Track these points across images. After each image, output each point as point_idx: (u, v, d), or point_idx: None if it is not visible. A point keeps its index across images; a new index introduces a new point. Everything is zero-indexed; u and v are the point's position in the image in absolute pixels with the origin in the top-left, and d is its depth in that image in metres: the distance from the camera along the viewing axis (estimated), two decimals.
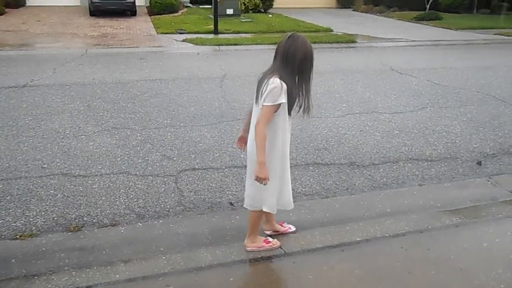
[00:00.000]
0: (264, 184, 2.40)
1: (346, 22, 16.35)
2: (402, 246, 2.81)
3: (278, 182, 2.60)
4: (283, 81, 2.36)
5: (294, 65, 2.38)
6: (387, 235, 2.94)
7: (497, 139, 4.88)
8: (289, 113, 2.48)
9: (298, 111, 2.51)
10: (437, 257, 2.70)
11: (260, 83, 2.45)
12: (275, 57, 2.46)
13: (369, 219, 3.17)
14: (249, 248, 2.74)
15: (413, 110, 5.82)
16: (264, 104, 2.36)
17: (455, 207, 3.37)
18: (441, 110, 5.84)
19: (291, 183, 2.78)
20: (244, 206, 2.74)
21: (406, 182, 3.87)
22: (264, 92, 2.36)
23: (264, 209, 2.62)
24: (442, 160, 4.32)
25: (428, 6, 17.93)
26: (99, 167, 3.92)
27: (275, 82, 2.34)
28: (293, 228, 3.00)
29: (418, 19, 17.15)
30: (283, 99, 2.35)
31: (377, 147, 4.55)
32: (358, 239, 2.88)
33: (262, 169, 2.36)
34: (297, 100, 2.46)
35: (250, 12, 18.20)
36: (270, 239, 2.81)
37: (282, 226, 2.99)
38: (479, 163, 4.26)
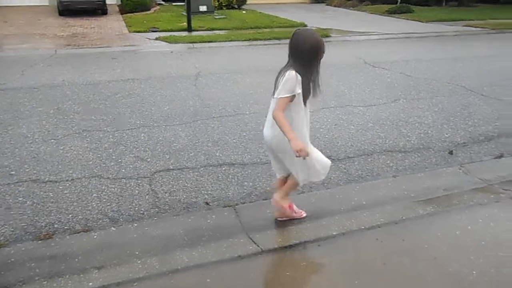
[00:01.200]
0: (307, 155, 2.55)
1: (319, 17, 16.44)
2: (378, 238, 2.84)
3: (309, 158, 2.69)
4: (298, 73, 2.53)
5: (302, 58, 2.54)
6: (363, 227, 2.96)
7: (467, 128, 4.99)
8: (305, 104, 2.65)
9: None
10: (412, 247, 2.74)
11: (278, 77, 2.62)
12: (288, 54, 2.63)
13: (345, 212, 3.19)
14: (274, 203, 2.97)
15: (386, 103, 5.89)
16: (279, 96, 2.55)
17: (429, 197, 3.42)
18: (413, 102, 5.93)
19: None
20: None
21: (380, 174, 3.91)
22: (280, 84, 2.57)
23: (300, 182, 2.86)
24: (415, 151, 4.38)
25: (399, 0, 18.19)
26: (70, 172, 3.81)
27: (290, 74, 2.53)
28: (304, 214, 3.11)
29: (390, 12, 17.39)
30: (298, 90, 2.54)
31: (351, 140, 4.59)
32: (335, 233, 2.89)
33: (296, 143, 2.50)
34: (311, 90, 2.63)
35: (224, 8, 18.07)
36: (295, 208, 3.02)
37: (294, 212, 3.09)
38: (451, 153, 4.35)
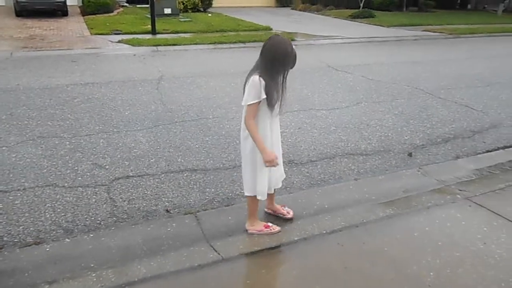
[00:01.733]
0: (276, 165, 2.66)
1: (285, 21, 16.60)
2: (339, 242, 2.85)
3: (267, 170, 2.75)
4: (262, 78, 2.51)
5: (268, 63, 2.53)
6: (324, 232, 2.96)
7: (425, 130, 5.13)
8: (271, 109, 2.61)
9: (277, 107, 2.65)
10: (372, 250, 2.76)
11: (245, 82, 2.61)
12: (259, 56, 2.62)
13: (307, 217, 3.19)
14: (249, 231, 2.92)
15: (348, 106, 5.98)
16: (247, 103, 2.55)
17: (389, 199, 3.47)
18: (374, 105, 6.05)
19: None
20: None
21: (342, 177, 3.94)
22: (245, 90, 2.57)
23: (258, 197, 2.81)
24: (376, 154, 4.46)
25: (361, 5, 18.65)
26: (22, 181, 3.62)
27: (254, 79, 2.52)
28: (290, 214, 3.12)
29: (353, 17, 17.80)
30: (263, 95, 2.52)
31: (314, 144, 4.61)
32: (296, 238, 2.88)
33: (265, 154, 2.59)
34: (275, 95, 2.59)
35: (189, 11, 17.94)
36: (270, 224, 2.96)
37: (281, 208, 3.14)
38: (410, 155, 4.45)
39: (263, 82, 2.51)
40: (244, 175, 2.86)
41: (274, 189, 3.06)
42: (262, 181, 2.76)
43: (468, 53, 10.83)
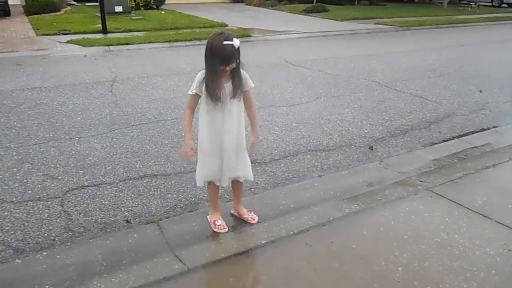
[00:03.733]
0: (186, 158, 2.82)
1: (240, 17, 16.47)
2: (307, 243, 2.80)
3: (201, 158, 2.80)
4: (205, 72, 2.61)
5: (205, 58, 2.59)
6: (292, 233, 2.91)
7: (384, 123, 5.22)
8: (214, 100, 2.62)
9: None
10: (340, 249, 2.74)
11: None
12: None
13: (273, 218, 3.12)
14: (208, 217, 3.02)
15: (308, 101, 5.98)
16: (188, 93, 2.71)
17: (353, 194, 3.48)
18: (333, 99, 6.09)
19: None
20: None
21: (306, 174, 3.92)
22: None
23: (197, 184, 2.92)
24: (338, 149, 4.47)
25: None
26: None
27: (198, 73, 2.65)
28: (255, 220, 3.04)
29: (307, 12, 17.96)
30: (199, 88, 2.64)
31: (276, 142, 4.57)
32: (264, 242, 2.81)
33: (184, 144, 2.79)
34: (213, 89, 2.60)
35: (142, 9, 17.40)
36: (218, 223, 2.95)
37: (247, 213, 3.07)
38: (371, 148, 4.50)
39: (201, 76, 2.62)
40: None
41: (238, 191, 3.02)
42: (198, 169, 2.84)
43: (418, 45, 11.19)
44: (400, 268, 2.54)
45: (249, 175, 2.95)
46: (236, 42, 2.49)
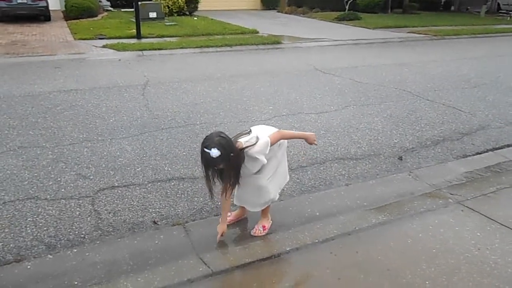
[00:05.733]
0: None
1: (271, 24, 16.56)
2: (332, 252, 2.78)
3: None
4: None
5: None
6: (316, 241, 2.89)
7: (415, 133, 5.11)
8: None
9: None
10: (365, 259, 2.70)
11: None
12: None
13: (298, 225, 3.11)
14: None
15: (337, 109, 5.93)
16: None
17: (380, 204, 3.42)
18: (363, 108, 6.02)
19: None
20: None
21: (333, 182, 3.88)
22: None
23: None
24: (366, 158, 4.41)
25: (347, 7, 18.72)
26: (2, 194, 3.48)
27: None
28: (256, 233, 3.02)
29: (339, 19, 17.86)
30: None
31: (304, 149, 4.55)
32: (288, 249, 2.80)
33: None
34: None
35: (175, 15, 17.79)
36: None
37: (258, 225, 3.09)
38: (400, 158, 4.41)
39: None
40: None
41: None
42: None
43: (453, 55, 10.92)
44: (427, 282, 2.47)
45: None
46: (214, 152, 2.40)
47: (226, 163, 2.49)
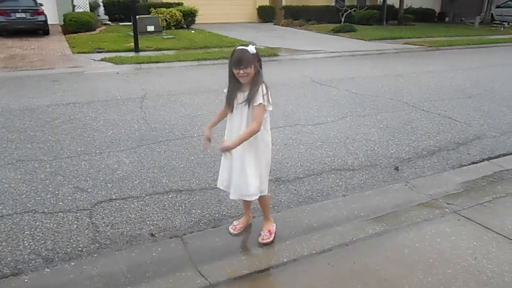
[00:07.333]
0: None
1: (268, 36, 16.72)
2: (329, 263, 2.78)
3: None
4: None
5: None
6: (314, 252, 2.90)
7: (411, 143, 5.15)
8: (227, 104, 2.81)
9: None
10: (363, 270, 2.70)
11: None
12: None
13: (295, 236, 3.12)
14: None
15: (334, 120, 5.98)
16: None
17: (377, 215, 3.44)
18: (359, 119, 6.06)
19: None
20: None
21: (330, 193, 3.90)
22: None
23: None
24: (363, 168, 4.44)
25: (343, 19, 18.94)
26: (0, 208, 3.48)
27: None
28: (264, 240, 3.04)
29: (335, 31, 18.05)
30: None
31: (301, 160, 4.57)
32: (286, 260, 2.81)
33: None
34: (229, 99, 2.77)
35: (172, 28, 17.96)
36: (235, 223, 3.20)
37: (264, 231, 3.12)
38: (397, 169, 4.44)
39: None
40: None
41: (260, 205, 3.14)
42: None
43: (448, 65, 11.03)
44: None
45: (245, 195, 2.88)
46: (251, 48, 2.62)
47: (255, 64, 2.63)
